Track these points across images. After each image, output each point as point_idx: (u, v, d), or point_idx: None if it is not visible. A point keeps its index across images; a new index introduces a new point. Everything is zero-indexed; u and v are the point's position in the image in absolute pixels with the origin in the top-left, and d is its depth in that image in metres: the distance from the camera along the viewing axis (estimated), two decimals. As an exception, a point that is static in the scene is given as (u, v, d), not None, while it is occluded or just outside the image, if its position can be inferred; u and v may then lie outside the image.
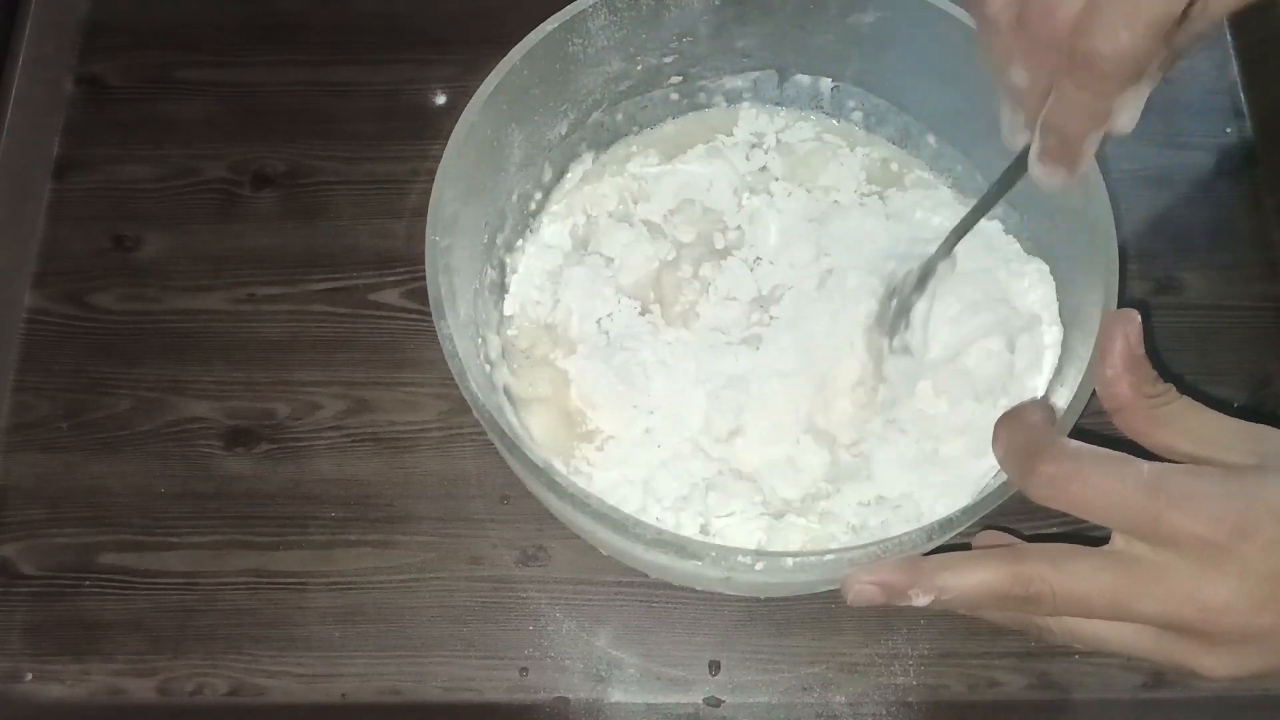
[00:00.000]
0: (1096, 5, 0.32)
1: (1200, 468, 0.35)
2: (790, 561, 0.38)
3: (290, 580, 0.53)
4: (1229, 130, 0.62)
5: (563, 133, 0.52)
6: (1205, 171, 0.61)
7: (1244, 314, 0.58)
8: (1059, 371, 0.47)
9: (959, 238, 0.45)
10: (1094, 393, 0.38)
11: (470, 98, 0.46)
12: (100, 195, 0.61)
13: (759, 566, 0.38)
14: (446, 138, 0.45)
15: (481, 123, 0.46)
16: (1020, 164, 0.39)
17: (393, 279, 0.59)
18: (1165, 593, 0.34)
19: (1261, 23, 0.63)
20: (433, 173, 0.45)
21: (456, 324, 0.43)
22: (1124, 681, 0.51)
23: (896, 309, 0.48)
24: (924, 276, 0.47)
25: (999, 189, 0.41)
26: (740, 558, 0.38)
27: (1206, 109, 0.63)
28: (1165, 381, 0.37)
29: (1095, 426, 0.39)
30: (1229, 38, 0.64)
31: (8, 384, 0.57)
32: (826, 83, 0.54)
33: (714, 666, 0.52)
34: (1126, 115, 0.34)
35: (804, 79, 0.54)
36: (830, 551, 0.38)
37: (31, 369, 0.57)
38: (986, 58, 0.36)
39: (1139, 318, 0.37)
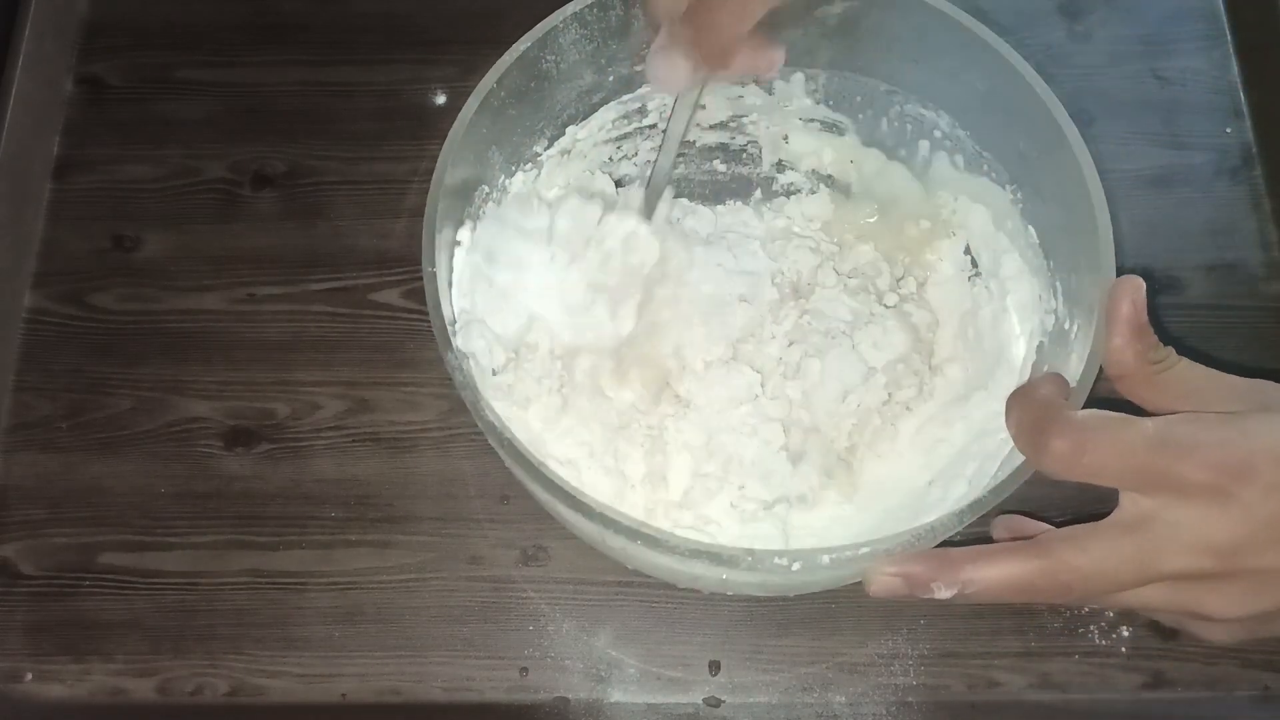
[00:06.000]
0: None
1: (1200, 415, 0.35)
2: (826, 559, 0.38)
3: (290, 580, 0.53)
4: (1229, 130, 0.62)
5: (538, 150, 0.53)
6: (1205, 171, 0.61)
7: (1245, 314, 0.58)
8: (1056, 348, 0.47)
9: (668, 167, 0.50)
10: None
11: (468, 98, 0.46)
12: (100, 195, 0.61)
13: (795, 567, 0.38)
14: (445, 138, 0.45)
15: (466, 146, 0.46)
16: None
17: (392, 279, 0.59)
18: (1180, 547, 0.34)
19: (1261, 22, 0.63)
20: (432, 172, 0.45)
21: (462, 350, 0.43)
22: (1124, 681, 0.51)
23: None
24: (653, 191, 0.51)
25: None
26: (776, 560, 0.38)
27: (1206, 109, 0.63)
28: (1165, 346, 0.38)
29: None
30: (1229, 37, 0.64)
31: (8, 384, 0.57)
32: (799, 77, 0.54)
33: (714, 666, 0.52)
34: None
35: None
36: (865, 544, 0.38)
37: (31, 369, 0.57)
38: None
39: (1143, 284, 0.38)
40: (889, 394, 0.51)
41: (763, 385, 0.50)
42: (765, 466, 0.49)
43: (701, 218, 0.55)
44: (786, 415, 0.50)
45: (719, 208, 0.56)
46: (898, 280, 0.54)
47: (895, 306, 0.53)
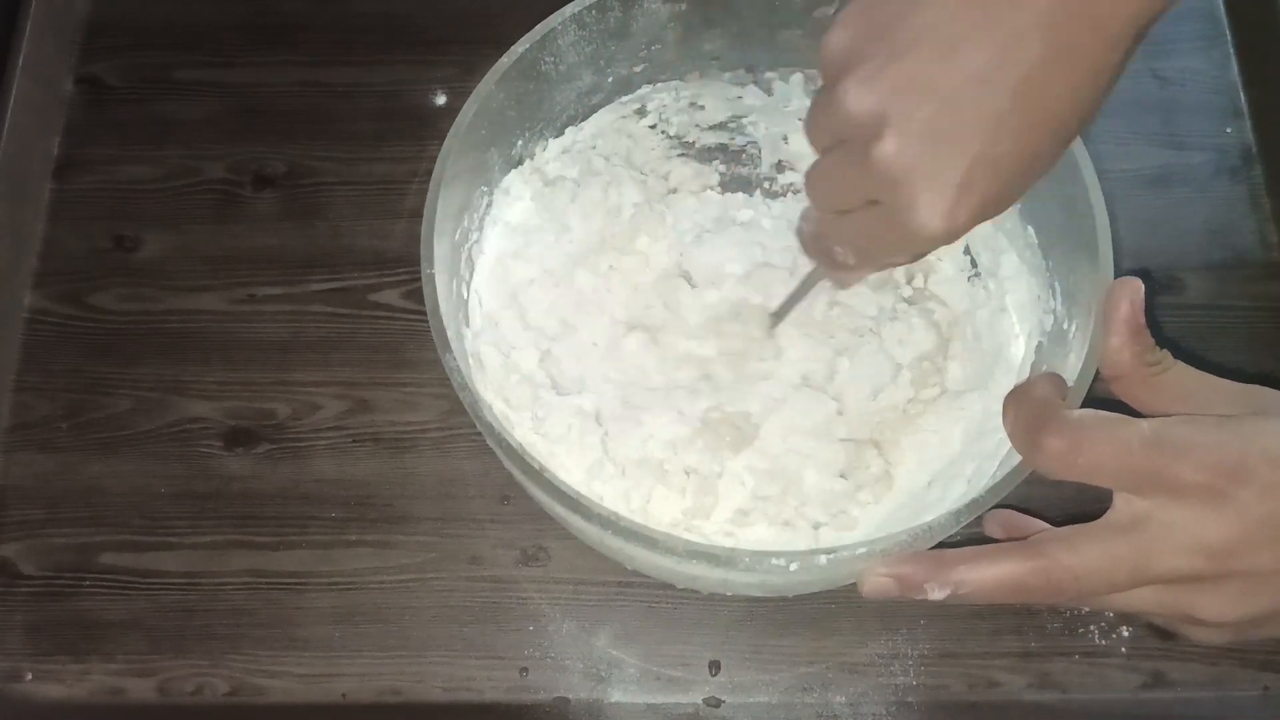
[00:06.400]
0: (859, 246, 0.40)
1: (1196, 417, 0.35)
2: (823, 559, 0.38)
3: (290, 580, 0.53)
4: (1229, 130, 0.62)
5: (535, 152, 0.53)
6: (1205, 171, 0.61)
7: (1244, 314, 0.58)
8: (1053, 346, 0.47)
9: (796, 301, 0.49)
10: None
11: (468, 99, 0.46)
12: (100, 195, 0.61)
13: (792, 567, 0.38)
14: (445, 138, 0.45)
15: (465, 147, 0.46)
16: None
17: (392, 279, 0.59)
18: (1174, 548, 0.34)
19: (1261, 22, 0.63)
20: (431, 173, 0.45)
21: (461, 353, 0.43)
22: (1123, 681, 0.51)
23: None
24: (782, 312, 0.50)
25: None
26: (774, 560, 0.38)
27: (1206, 109, 0.63)
28: (1162, 348, 0.38)
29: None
30: (1229, 37, 0.64)
31: (8, 384, 0.57)
32: (798, 78, 0.54)
33: (714, 666, 0.52)
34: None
35: (772, 75, 0.54)
36: (861, 544, 0.38)
37: (31, 369, 0.57)
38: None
39: (1142, 285, 0.38)
40: (915, 391, 0.50)
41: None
42: (823, 487, 0.49)
43: (709, 204, 0.55)
44: (832, 423, 0.50)
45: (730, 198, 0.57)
46: (909, 280, 0.54)
47: (916, 302, 0.53)
